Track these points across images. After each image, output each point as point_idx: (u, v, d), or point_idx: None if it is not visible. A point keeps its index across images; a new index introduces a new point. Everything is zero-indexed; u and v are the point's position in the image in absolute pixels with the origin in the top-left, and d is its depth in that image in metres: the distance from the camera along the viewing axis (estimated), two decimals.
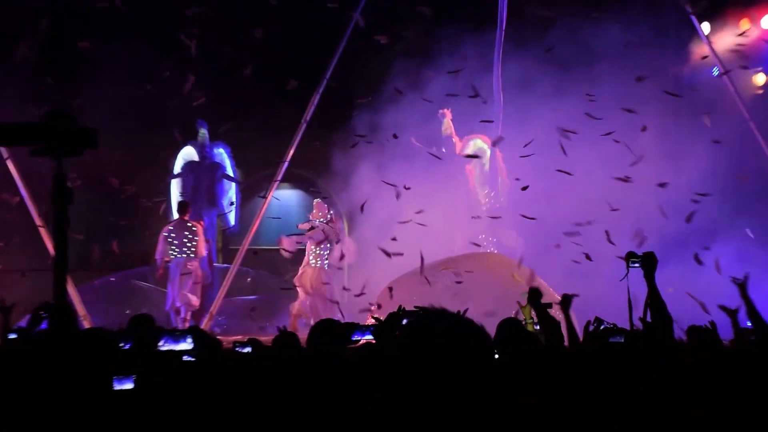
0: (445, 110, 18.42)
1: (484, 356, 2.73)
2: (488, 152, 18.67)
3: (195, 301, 17.14)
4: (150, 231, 18.88)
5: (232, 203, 20.24)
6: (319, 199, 17.72)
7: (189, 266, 17.22)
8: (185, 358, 6.40)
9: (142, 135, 19.73)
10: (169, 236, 17.35)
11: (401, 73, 18.05)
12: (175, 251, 17.29)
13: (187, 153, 20.29)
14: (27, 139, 3.70)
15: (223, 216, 20.36)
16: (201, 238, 17.44)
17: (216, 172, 19.99)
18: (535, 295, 8.12)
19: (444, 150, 18.73)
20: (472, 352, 2.71)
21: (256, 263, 20.34)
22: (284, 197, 22.90)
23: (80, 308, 16.10)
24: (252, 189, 21.30)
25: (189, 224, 17.53)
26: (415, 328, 2.78)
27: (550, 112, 16.64)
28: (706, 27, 18.80)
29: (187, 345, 6.50)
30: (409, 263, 15.90)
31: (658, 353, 5.71)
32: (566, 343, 7.32)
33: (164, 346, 6.49)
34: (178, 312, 16.91)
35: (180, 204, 18.03)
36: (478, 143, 18.75)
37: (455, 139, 18.65)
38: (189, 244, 17.37)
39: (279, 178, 17.69)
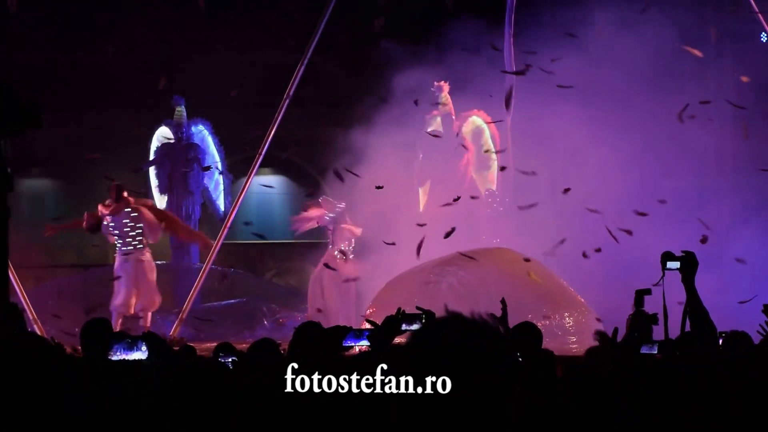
0: (442, 83, 18.39)
1: (504, 367, 2.77)
2: (487, 131, 18.66)
3: (157, 300, 16.81)
4: None
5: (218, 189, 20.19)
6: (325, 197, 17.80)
7: (141, 258, 16.73)
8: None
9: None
10: (109, 225, 16.69)
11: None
12: (119, 243, 16.99)
13: (163, 133, 20.21)
14: None
15: (212, 204, 20.28)
16: (148, 223, 16.77)
17: (193, 152, 19.88)
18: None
19: (442, 130, 18.74)
20: (491, 364, 2.75)
21: (234, 261, 20.37)
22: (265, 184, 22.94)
23: (30, 311, 16.08)
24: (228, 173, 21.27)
25: (128, 210, 16.69)
26: (424, 338, 2.82)
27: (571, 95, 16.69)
28: None
29: (141, 354, 6.47)
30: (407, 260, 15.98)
31: (698, 369, 5.71)
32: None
33: (116, 355, 6.46)
34: (121, 314, 16.62)
35: (115, 187, 16.94)
36: (476, 121, 18.74)
37: (453, 116, 18.63)
38: (133, 234, 16.89)
39: (259, 161, 17.64)
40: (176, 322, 17.09)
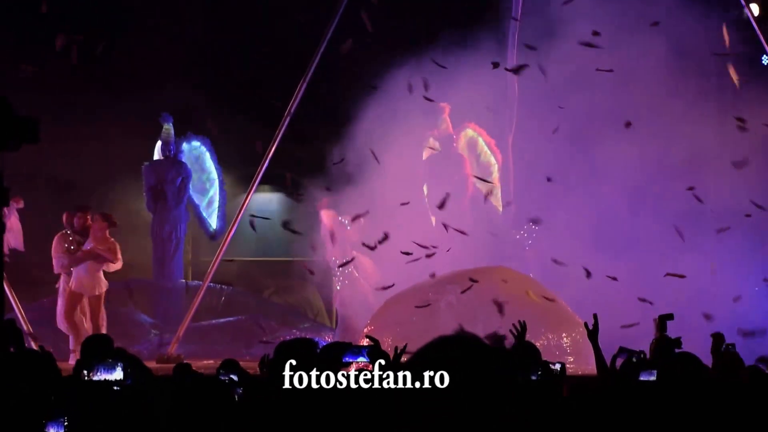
0: (444, 104, 18.48)
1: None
2: (480, 141, 18.80)
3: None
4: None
5: (211, 205, 20.22)
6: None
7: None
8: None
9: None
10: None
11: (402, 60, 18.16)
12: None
13: (158, 151, 20.26)
14: None
15: (201, 221, 20.30)
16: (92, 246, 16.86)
17: (177, 170, 19.91)
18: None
19: (440, 149, 18.82)
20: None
21: (232, 278, 20.35)
22: (263, 202, 22.93)
23: (26, 326, 16.08)
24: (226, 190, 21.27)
25: (68, 232, 16.98)
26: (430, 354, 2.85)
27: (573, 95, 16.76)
28: (754, 8, 18.80)
29: (119, 373, 6.49)
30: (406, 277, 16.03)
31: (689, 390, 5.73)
32: None
33: (97, 375, 6.47)
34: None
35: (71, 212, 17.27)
36: (469, 133, 18.87)
37: (453, 135, 18.75)
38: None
39: (258, 179, 17.65)
40: (173, 340, 17.08)
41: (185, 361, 12.75)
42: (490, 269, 16.07)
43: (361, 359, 6.86)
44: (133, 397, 6.15)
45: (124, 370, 6.51)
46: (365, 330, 15.39)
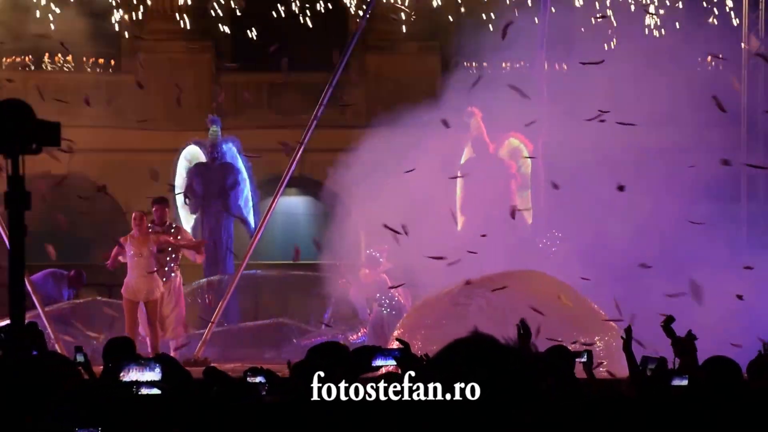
0: (473, 108, 18.37)
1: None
2: (525, 152, 18.69)
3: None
4: None
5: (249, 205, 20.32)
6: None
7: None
8: (145, 390, 6.35)
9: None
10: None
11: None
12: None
13: (192, 154, 20.20)
14: None
15: (245, 222, 20.36)
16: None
17: (228, 172, 19.94)
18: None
19: (474, 154, 18.77)
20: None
21: (260, 282, 20.38)
22: (290, 205, 22.96)
23: (50, 328, 16.08)
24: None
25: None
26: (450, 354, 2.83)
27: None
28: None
29: (154, 375, 6.48)
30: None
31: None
32: None
33: (128, 375, 6.47)
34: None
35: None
36: (514, 143, 18.77)
37: (487, 140, 18.66)
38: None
39: (285, 182, 17.63)
40: (200, 342, 17.09)
41: (212, 365, 12.80)
42: (521, 273, 16.02)
43: (391, 362, 6.83)
44: (171, 398, 6.12)
45: (162, 371, 6.50)
46: (395, 333, 15.37)
